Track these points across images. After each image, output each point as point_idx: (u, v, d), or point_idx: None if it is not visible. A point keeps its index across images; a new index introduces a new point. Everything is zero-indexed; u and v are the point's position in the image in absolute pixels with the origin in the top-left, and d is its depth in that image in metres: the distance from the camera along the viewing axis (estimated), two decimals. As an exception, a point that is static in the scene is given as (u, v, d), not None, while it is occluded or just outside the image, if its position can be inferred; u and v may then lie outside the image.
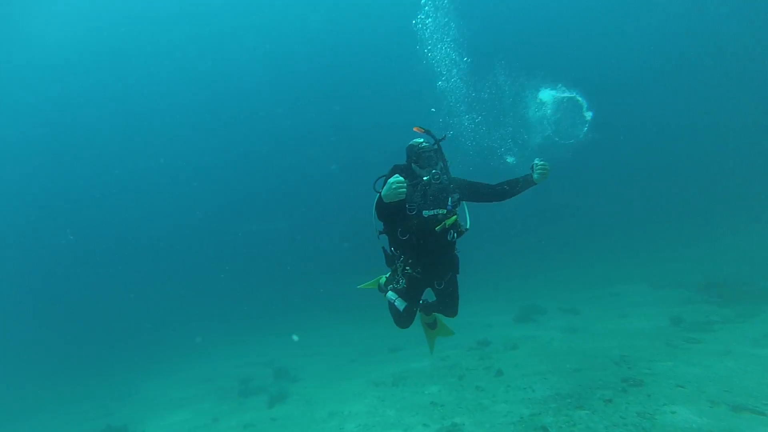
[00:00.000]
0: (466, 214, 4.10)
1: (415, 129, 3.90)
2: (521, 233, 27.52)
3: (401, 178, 3.32)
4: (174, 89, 34.07)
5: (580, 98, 3.78)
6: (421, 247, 3.87)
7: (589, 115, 3.72)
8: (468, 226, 3.95)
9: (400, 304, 4.07)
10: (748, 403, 5.40)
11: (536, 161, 3.81)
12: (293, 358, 13.32)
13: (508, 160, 4.04)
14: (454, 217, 3.81)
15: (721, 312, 9.59)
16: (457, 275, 4.27)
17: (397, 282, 4.06)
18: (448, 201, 3.82)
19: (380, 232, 4.13)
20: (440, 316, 5.05)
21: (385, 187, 3.37)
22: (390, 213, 3.70)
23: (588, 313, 11.77)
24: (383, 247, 4.24)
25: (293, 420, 8.69)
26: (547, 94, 3.87)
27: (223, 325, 20.84)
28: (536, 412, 6.39)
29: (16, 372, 17.26)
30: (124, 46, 29.94)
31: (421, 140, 3.96)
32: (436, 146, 3.86)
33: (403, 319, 4.30)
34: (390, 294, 4.16)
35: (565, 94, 3.82)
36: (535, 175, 3.80)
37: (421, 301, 4.66)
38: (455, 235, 3.85)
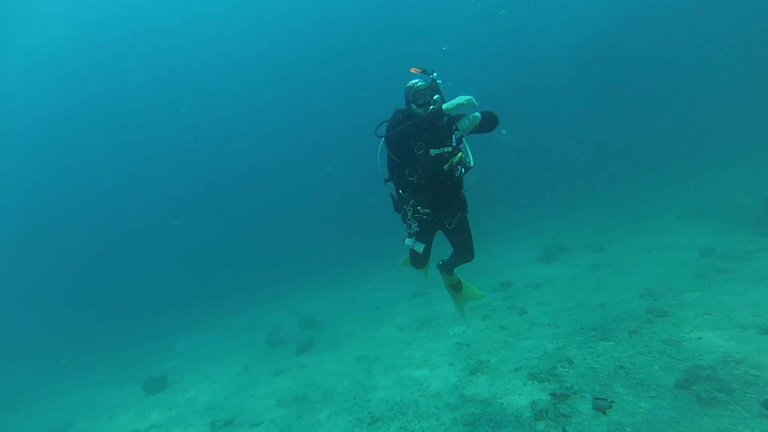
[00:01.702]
0: (468, 151, 4.08)
1: (412, 70, 3.86)
2: (546, 176, 26.84)
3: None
4: (173, 89, 33.87)
5: None
6: (430, 186, 3.87)
7: None
8: (473, 164, 3.98)
9: (418, 247, 4.15)
10: (783, 326, 5.20)
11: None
12: (319, 308, 13.63)
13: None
14: (460, 153, 3.84)
15: (758, 241, 9.08)
16: (467, 214, 4.28)
17: (410, 227, 4.13)
18: (452, 138, 3.80)
19: (386, 180, 4.19)
20: (465, 279, 4.99)
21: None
22: (401, 150, 3.78)
23: (614, 250, 11.44)
24: (390, 194, 4.25)
25: (321, 365, 8.95)
26: None
27: (255, 280, 21.49)
28: (561, 346, 6.36)
29: (61, 347, 18.14)
30: (121, 45, 29.54)
31: (417, 80, 3.91)
32: (432, 83, 3.78)
33: (419, 259, 4.38)
34: (407, 240, 4.21)
35: None
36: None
37: (439, 262, 4.70)
38: (462, 170, 3.87)
